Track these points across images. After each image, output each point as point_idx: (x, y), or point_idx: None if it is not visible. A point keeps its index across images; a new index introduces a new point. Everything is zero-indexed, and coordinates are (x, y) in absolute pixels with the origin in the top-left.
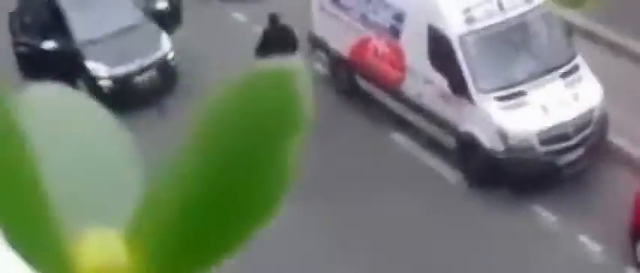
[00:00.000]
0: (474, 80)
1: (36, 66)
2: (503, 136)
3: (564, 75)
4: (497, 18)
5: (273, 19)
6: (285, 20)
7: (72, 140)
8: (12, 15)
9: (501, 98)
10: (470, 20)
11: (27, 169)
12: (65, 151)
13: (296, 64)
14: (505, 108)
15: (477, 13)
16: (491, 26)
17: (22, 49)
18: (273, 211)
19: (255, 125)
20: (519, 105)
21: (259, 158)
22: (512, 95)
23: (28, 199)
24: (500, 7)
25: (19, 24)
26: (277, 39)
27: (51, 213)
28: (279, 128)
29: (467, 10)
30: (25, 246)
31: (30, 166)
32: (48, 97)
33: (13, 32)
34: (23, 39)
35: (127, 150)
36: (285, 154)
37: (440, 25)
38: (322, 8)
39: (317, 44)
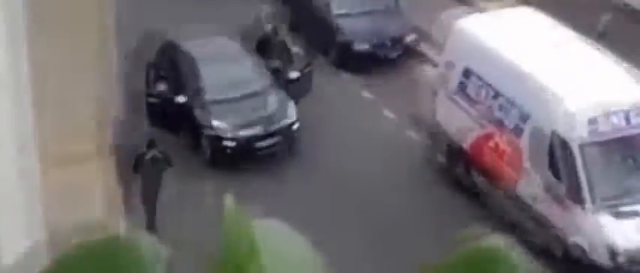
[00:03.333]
0: (590, 191)
1: (165, 118)
2: (612, 251)
3: None
4: (623, 132)
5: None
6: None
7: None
8: (148, 65)
9: (616, 213)
10: (594, 131)
11: None
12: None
13: (506, 244)
14: (618, 224)
15: (602, 124)
16: (615, 139)
17: (153, 99)
18: None
19: None
20: (633, 223)
21: None
22: (627, 212)
23: None
24: (627, 120)
25: (154, 75)
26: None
27: None
28: None
29: (593, 120)
30: None
31: None
32: (268, 231)
33: (147, 82)
34: (156, 90)
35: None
36: None
37: (563, 131)
38: (446, 96)
39: (437, 132)
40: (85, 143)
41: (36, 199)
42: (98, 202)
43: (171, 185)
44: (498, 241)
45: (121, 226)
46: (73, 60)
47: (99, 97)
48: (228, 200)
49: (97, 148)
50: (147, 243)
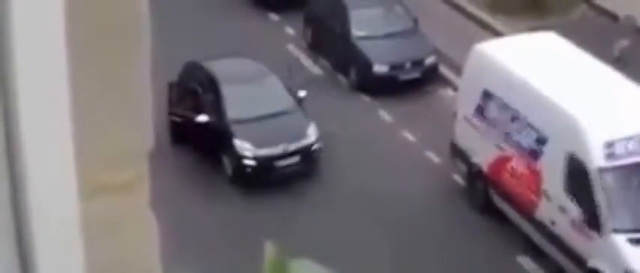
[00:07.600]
0: (608, 216)
1: (187, 137)
2: None
3: None
4: None
5: None
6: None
7: None
8: (171, 85)
9: (633, 240)
10: (611, 155)
11: None
12: None
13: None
14: (636, 250)
15: (619, 149)
16: (632, 164)
17: (176, 118)
18: None
19: None
20: None
21: None
22: None
23: None
24: None
25: (177, 95)
26: None
27: None
28: None
29: (609, 145)
30: None
31: None
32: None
33: (170, 102)
34: (178, 110)
35: None
36: None
37: (580, 156)
38: (466, 118)
39: (457, 154)
40: (120, 173)
41: (77, 235)
42: (133, 237)
43: (192, 203)
44: None
45: (157, 264)
46: (110, 85)
47: (136, 124)
48: (268, 248)
49: (133, 179)
50: None
